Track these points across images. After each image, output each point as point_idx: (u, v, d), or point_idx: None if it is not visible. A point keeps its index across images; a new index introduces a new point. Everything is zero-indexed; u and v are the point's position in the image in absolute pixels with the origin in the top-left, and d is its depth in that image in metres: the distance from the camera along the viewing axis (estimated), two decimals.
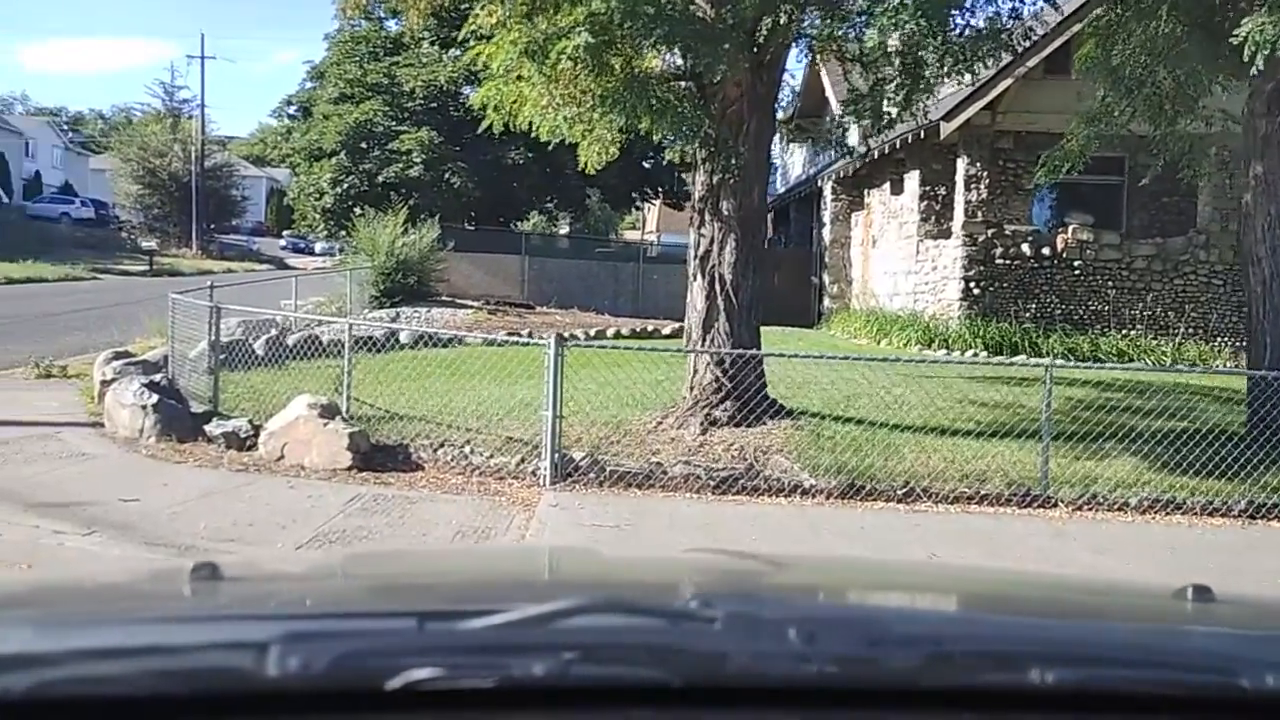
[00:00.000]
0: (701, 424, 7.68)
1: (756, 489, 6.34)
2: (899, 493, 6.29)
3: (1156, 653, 1.00)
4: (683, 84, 8.14)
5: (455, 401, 8.52)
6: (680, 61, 8.35)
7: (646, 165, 25.81)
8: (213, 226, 47.37)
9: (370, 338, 12.77)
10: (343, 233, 22.80)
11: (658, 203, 32.33)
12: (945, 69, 6.37)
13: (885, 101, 6.61)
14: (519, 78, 8.21)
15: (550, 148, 22.26)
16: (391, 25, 24.92)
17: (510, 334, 14.16)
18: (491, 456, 6.70)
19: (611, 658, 0.89)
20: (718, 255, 8.22)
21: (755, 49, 7.65)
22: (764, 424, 7.71)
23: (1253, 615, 1.38)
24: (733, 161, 7.90)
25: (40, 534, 5.08)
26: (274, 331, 12.58)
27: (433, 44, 23.40)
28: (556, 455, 6.35)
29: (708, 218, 8.28)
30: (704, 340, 8.19)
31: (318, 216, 24.40)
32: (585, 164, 9.96)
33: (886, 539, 5.51)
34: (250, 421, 7.25)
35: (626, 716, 0.85)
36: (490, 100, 8.59)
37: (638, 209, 35.61)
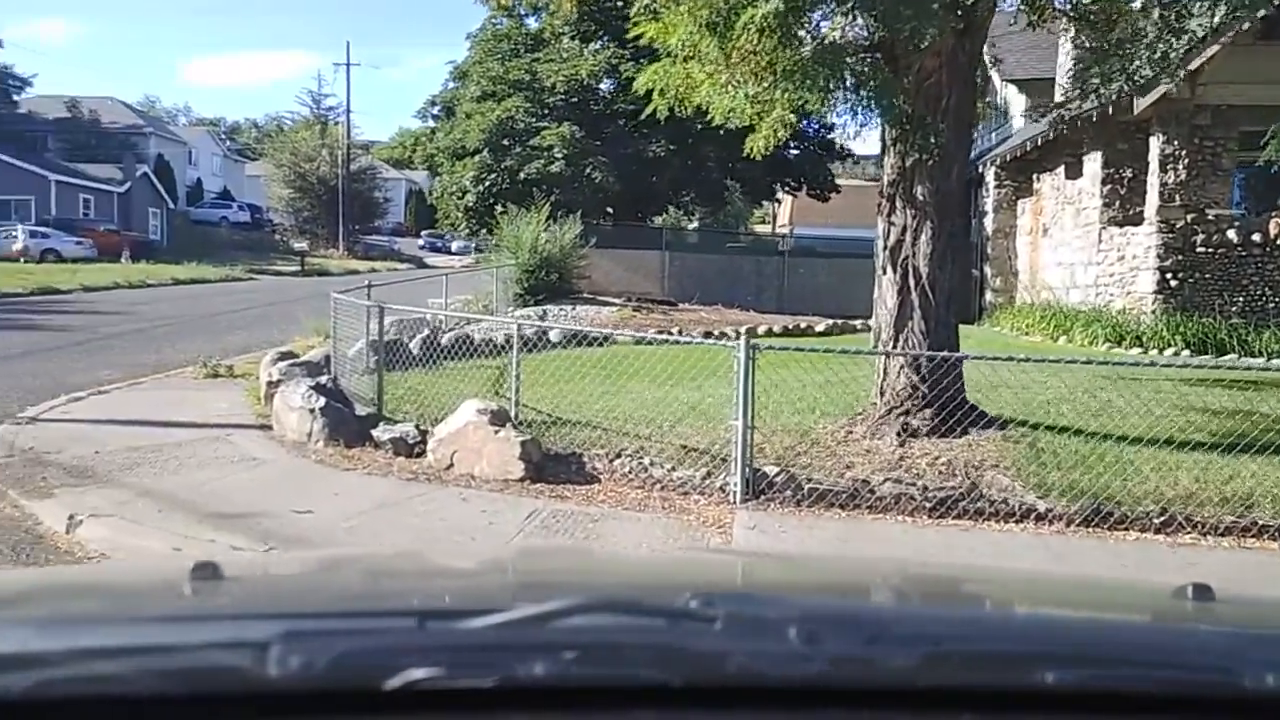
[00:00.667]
0: (898, 434, 6.89)
1: (980, 512, 5.52)
2: (1155, 521, 5.36)
3: (1157, 652, 0.99)
4: (868, 56, 7.37)
5: (617, 405, 8.03)
6: (866, 32, 7.58)
7: (790, 155, 24.88)
8: (357, 227, 49.10)
9: (521, 336, 12.54)
10: (483, 231, 22.89)
11: (791, 195, 31.26)
12: (1215, 18, 5.38)
13: (1144, 60, 5.64)
14: (688, 58, 7.66)
15: (691, 140, 21.71)
16: (531, 22, 24.85)
17: (660, 331, 13.65)
18: (673, 469, 6.12)
19: (611, 657, 0.88)
20: (911, 245, 7.40)
21: (960, 11, 6.80)
22: (968, 434, 6.85)
23: (1254, 615, 1.36)
24: (930, 140, 7.06)
25: (217, 548, 4.81)
26: (426, 331, 12.48)
27: (573, 39, 23.16)
28: (748, 470, 5.71)
29: (899, 204, 7.47)
30: (896, 340, 7.39)
31: (460, 215, 24.58)
32: (752, 150, 9.24)
33: (1158, 579, 4.62)
34: (417, 426, 6.93)
35: (626, 716, 0.85)
36: (656, 83, 8.03)
37: (777, 201, 34.65)
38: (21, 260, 30.00)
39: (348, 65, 44.63)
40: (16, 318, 17.15)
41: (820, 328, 16.56)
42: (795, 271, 21.77)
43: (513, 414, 6.84)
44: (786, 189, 27.36)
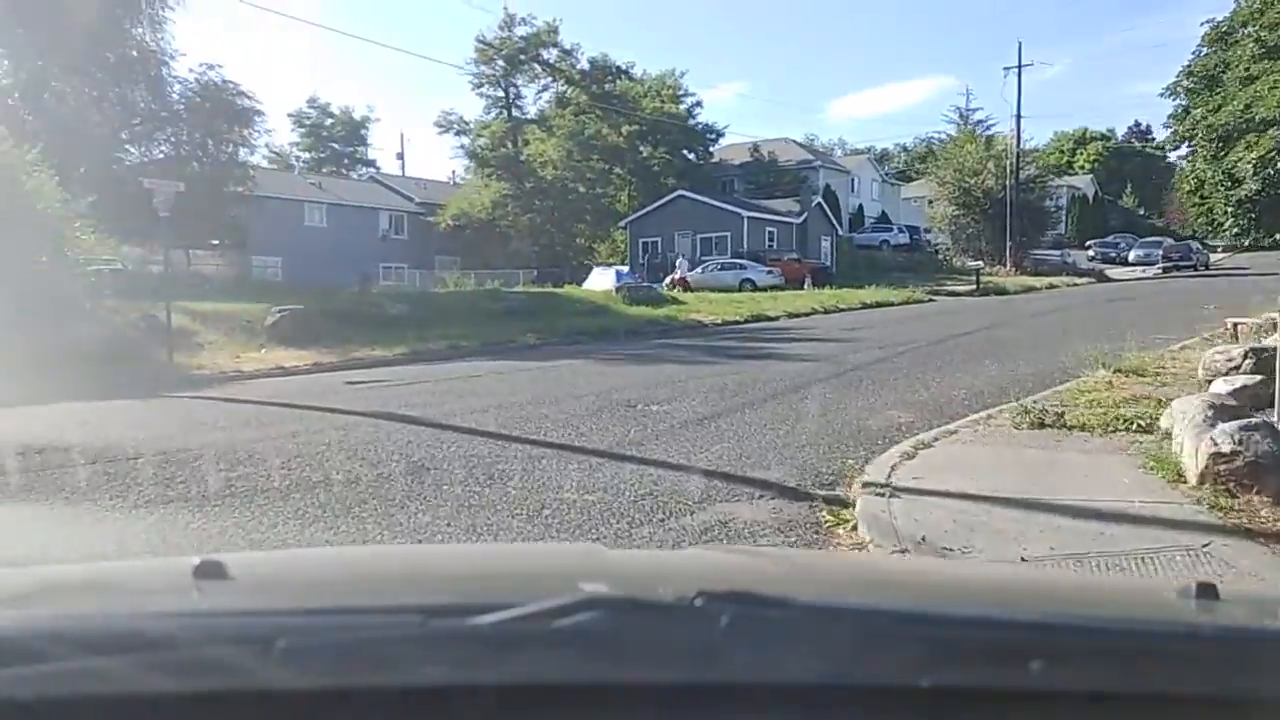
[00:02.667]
0: None
1: None
2: None
3: (1164, 652, 0.97)
4: None
5: None
6: None
7: None
8: (1023, 240, 45.12)
9: None
10: (1258, 231, 17.48)
11: None
12: None
13: None
14: None
15: None
16: None
17: None
18: None
19: (616, 655, 0.87)
20: None
21: None
22: None
23: (1259, 614, 1.34)
24: None
25: None
26: None
27: None
28: None
29: None
30: None
31: (1227, 211, 19.39)
32: None
33: None
34: None
35: (631, 714, 0.84)
36: None
37: None
38: (674, 289, 32.73)
39: (1019, 66, 41.08)
40: (753, 346, 17.39)
41: None
42: None
43: None
44: None
